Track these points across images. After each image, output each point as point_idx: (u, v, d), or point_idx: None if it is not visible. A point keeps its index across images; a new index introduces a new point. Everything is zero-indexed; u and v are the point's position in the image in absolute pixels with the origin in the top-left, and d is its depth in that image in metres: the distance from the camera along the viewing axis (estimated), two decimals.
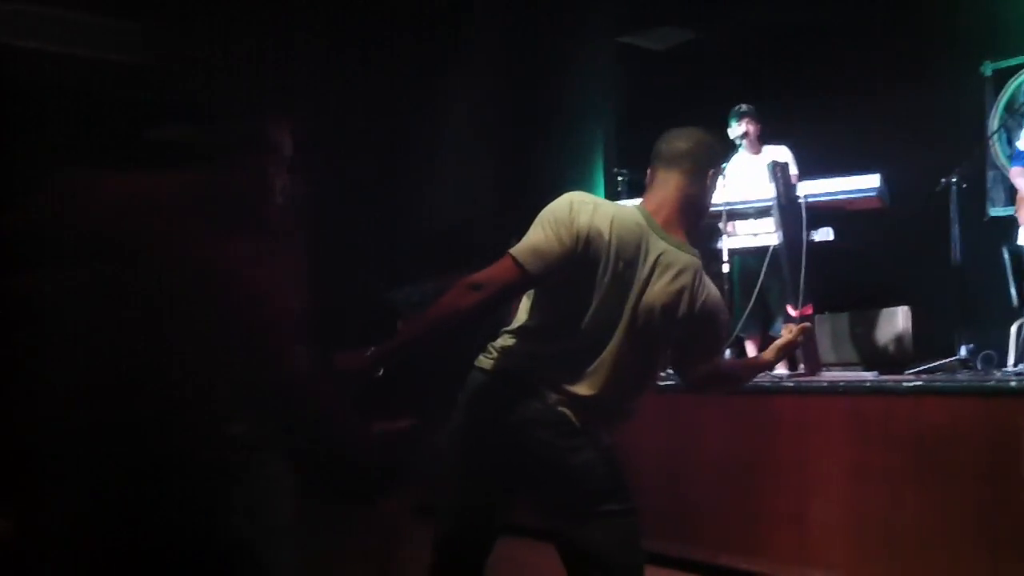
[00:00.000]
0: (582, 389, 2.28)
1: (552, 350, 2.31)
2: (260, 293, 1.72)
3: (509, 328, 2.42)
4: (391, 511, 4.05)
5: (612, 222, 2.30)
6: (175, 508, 1.68)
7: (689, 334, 2.40)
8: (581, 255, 2.27)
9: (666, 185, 2.41)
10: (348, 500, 4.41)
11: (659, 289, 2.30)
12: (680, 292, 2.32)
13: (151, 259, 1.70)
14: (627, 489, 2.35)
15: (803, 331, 2.75)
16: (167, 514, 1.68)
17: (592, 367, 2.30)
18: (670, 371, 4.75)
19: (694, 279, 2.35)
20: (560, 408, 2.28)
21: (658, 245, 2.33)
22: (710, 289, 2.42)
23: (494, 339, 2.43)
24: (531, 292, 2.38)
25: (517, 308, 2.44)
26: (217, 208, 1.77)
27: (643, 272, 2.30)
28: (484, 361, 2.40)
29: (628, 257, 2.30)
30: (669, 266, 2.32)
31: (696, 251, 2.41)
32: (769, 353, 2.77)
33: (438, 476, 2.43)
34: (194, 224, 1.73)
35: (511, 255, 2.27)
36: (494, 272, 2.28)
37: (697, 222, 2.49)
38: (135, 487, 1.67)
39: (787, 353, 2.82)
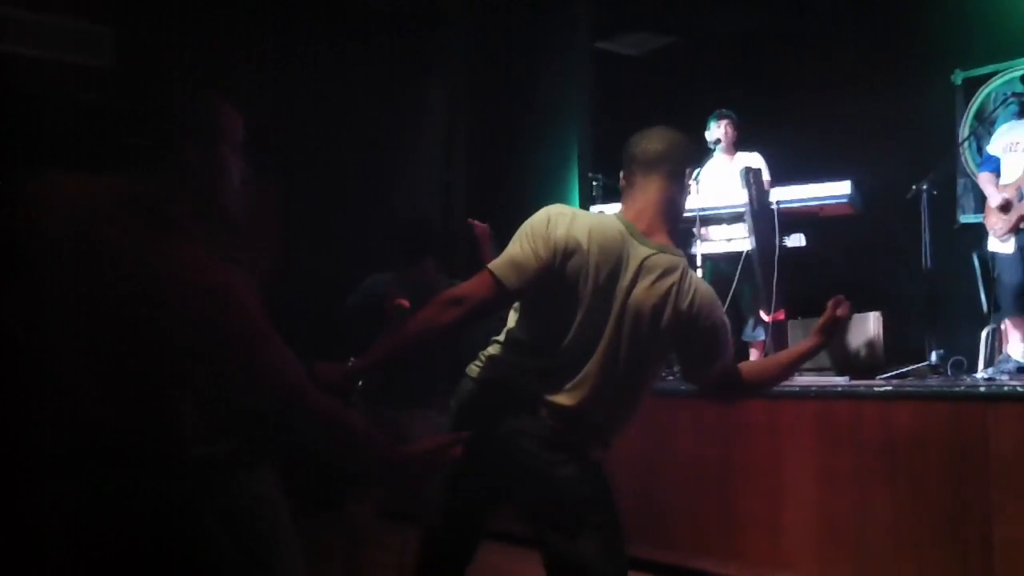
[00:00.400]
0: (568, 401, 2.27)
1: (538, 362, 2.30)
2: (226, 300, 1.65)
3: (498, 338, 2.41)
4: (357, 515, 4.02)
5: (591, 233, 2.28)
6: (139, 528, 1.65)
7: (684, 336, 2.34)
8: (559, 268, 2.26)
9: (646, 191, 2.38)
10: (315, 504, 4.38)
11: (644, 293, 2.27)
12: (667, 293, 2.28)
13: (100, 267, 1.64)
14: (612, 502, 2.35)
15: (838, 304, 2.57)
16: (131, 534, 1.65)
17: (578, 379, 2.28)
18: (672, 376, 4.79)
19: (681, 278, 2.31)
20: (546, 421, 2.27)
21: (640, 251, 2.30)
22: (699, 285, 2.35)
23: (485, 347, 2.43)
24: (518, 304, 2.37)
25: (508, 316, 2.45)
26: (170, 207, 1.71)
27: (626, 279, 2.28)
28: (474, 369, 2.40)
29: (610, 267, 2.27)
30: (653, 269, 2.29)
31: (680, 251, 2.39)
32: (811, 338, 2.59)
33: (426, 480, 2.44)
34: (144, 228, 1.67)
35: (489, 270, 2.27)
36: (472, 287, 2.28)
37: (678, 223, 2.48)
38: (98, 505, 1.63)
39: (833, 331, 2.59)
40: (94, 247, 1.64)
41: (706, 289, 2.38)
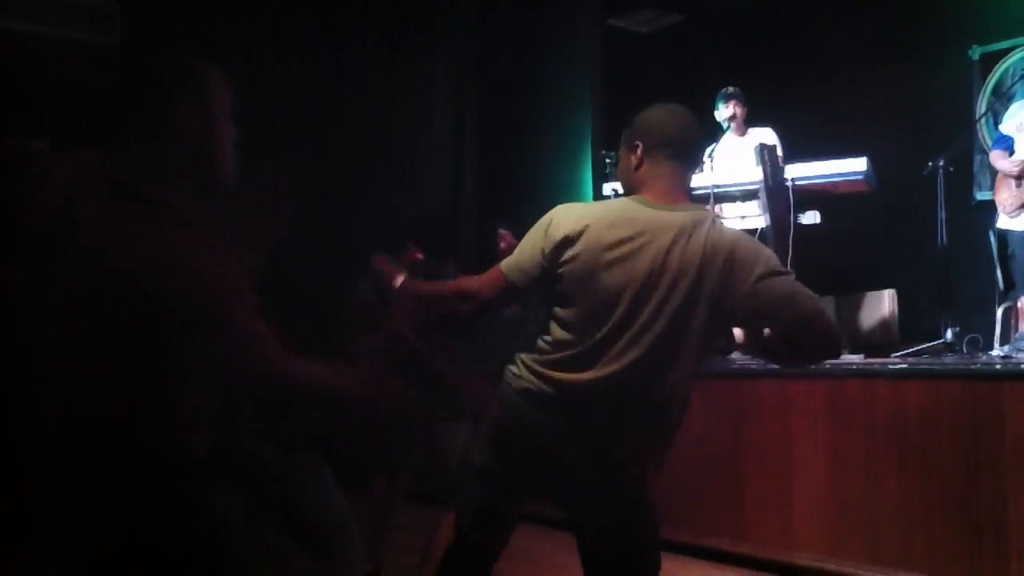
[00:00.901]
0: (593, 376, 2.21)
1: (565, 354, 2.26)
2: (191, 274, 1.60)
3: (535, 333, 2.38)
4: (383, 497, 4.03)
5: (602, 217, 2.27)
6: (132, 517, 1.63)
7: (732, 290, 2.17)
8: (567, 263, 2.25)
9: (669, 174, 2.33)
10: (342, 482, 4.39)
11: (681, 255, 2.19)
12: (703, 247, 2.20)
13: (78, 247, 1.61)
14: (644, 504, 2.30)
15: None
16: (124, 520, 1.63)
17: (607, 358, 2.21)
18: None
19: (711, 228, 2.24)
20: (579, 419, 2.22)
21: (665, 217, 2.25)
22: (728, 233, 2.27)
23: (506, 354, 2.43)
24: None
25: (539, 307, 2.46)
26: (150, 180, 1.68)
27: (655, 251, 2.20)
28: (508, 372, 2.35)
29: (630, 244, 2.22)
30: (684, 230, 2.22)
31: (703, 206, 2.34)
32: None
33: (460, 465, 2.48)
34: (118, 203, 1.63)
35: (500, 268, 2.36)
36: (483, 283, 2.38)
37: (690, 197, 2.45)
38: (89, 494, 1.61)
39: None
40: (71, 226, 1.62)
41: (736, 233, 2.28)
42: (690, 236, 2.21)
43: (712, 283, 2.19)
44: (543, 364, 2.28)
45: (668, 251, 2.20)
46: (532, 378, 2.28)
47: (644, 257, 2.21)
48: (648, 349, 2.20)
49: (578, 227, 2.25)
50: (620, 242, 2.23)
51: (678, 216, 2.26)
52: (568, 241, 2.25)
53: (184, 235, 1.63)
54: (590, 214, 2.30)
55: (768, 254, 2.24)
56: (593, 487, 2.24)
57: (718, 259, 2.19)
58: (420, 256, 3.52)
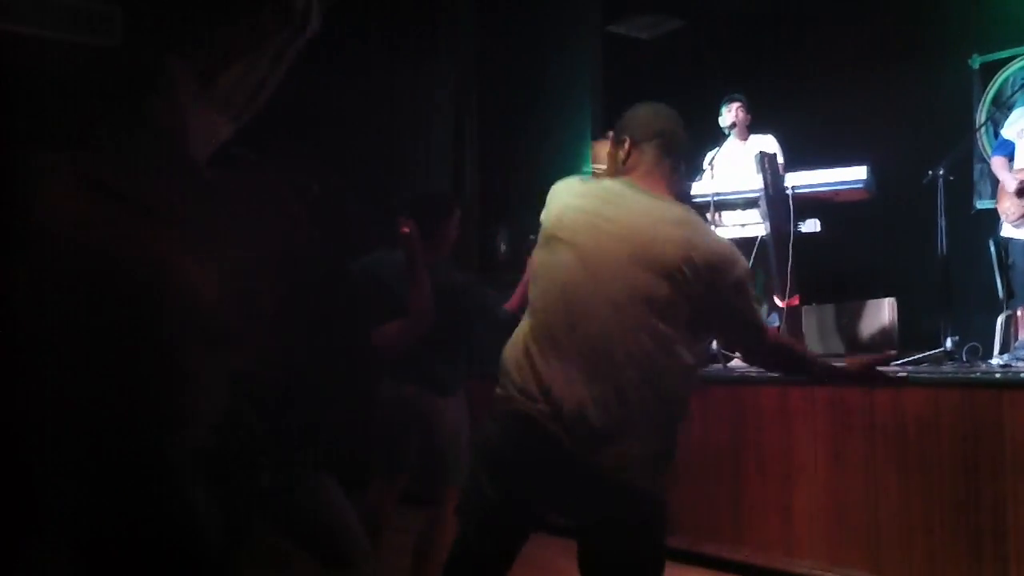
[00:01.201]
0: (571, 383, 2.15)
1: (539, 351, 2.21)
2: (190, 284, 1.63)
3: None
4: (377, 499, 4.02)
5: (581, 193, 2.33)
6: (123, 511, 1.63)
7: (704, 295, 2.17)
8: (553, 232, 2.30)
9: (658, 168, 2.35)
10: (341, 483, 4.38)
11: (660, 240, 2.18)
12: (685, 236, 2.19)
13: (64, 246, 1.62)
14: (647, 515, 2.24)
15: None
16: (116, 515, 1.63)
17: (580, 357, 2.16)
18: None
19: (694, 229, 2.24)
20: (563, 427, 2.15)
21: (645, 200, 2.27)
22: (714, 238, 2.29)
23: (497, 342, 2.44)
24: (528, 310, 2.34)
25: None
26: (124, 177, 1.69)
27: (638, 237, 2.19)
28: (498, 391, 2.32)
29: (612, 226, 2.22)
30: (662, 221, 2.22)
31: (688, 207, 2.34)
32: (853, 366, 2.65)
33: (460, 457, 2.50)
34: (96, 202, 1.65)
35: None
36: None
37: (684, 200, 2.47)
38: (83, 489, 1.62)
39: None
40: (54, 224, 1.63)
41: (722, 243, 2.30)
42: (673, 225, 2.22)
43: (690, 278, 2.16)
44: (522, 375, 2.23)
45: (646, 234, 2.20)
46: (516, 394, 2.22)
47: (621, 236, 2.21)
48: (619, 336, 2.14)
49: (567, 204, 2.32)
50: (597, 216, 2.25)
51: (664, 204, 2.28)
52: (555, 214, 2.32)
53: (157, 231, 1.63)
54: (578, 188, 2.36)
55: (744, 263, 2.29)
56: (590, 499, 2.20)
57: (699, 254, 2.18)
58: (407, 230, 3.45)
